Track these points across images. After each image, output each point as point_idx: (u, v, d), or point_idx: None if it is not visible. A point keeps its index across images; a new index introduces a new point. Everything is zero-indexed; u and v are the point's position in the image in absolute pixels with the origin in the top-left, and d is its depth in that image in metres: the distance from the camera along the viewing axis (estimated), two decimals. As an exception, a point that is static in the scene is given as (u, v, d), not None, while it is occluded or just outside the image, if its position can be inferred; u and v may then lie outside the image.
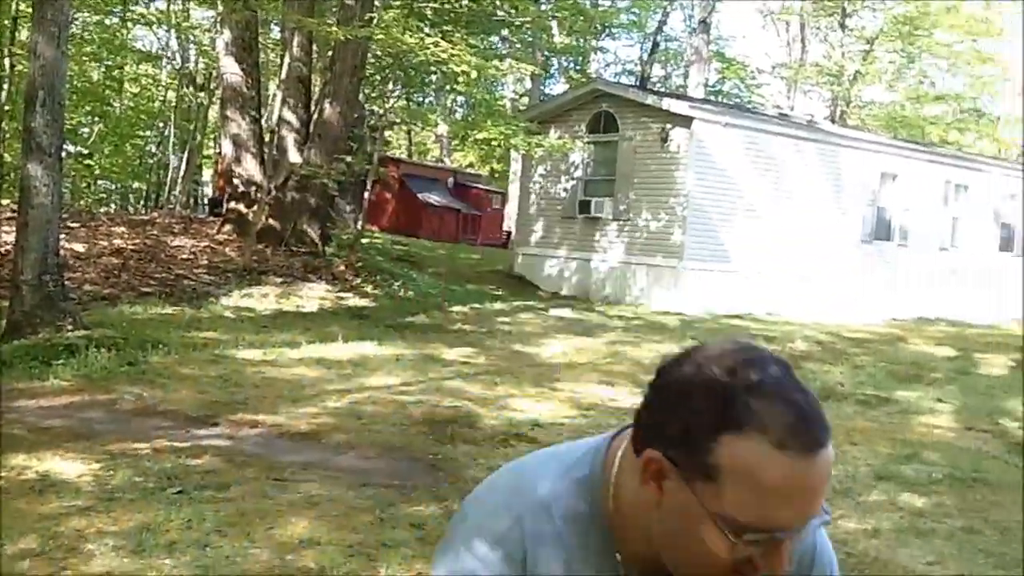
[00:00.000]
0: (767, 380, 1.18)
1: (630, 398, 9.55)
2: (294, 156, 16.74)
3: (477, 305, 16.12)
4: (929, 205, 21.90)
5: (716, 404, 1.17)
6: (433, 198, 29.34)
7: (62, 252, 11.12)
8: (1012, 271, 23.76)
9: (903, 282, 21.33)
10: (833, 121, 31.95)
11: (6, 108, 19.23)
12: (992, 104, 42.29)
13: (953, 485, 7.08)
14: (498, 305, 16.57)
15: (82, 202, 26.46)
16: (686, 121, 18.11)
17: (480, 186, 33.50)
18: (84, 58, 24.85)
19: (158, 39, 29.57)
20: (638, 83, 34.56)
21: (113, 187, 31.35)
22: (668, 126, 18.35)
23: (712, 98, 31.21)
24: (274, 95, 21.12)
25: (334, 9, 18.15)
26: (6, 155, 19.07)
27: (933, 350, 15.00)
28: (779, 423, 1.15)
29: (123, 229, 16.78)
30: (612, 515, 1.31)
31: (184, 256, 15.36)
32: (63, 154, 11.71)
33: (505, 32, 26.38)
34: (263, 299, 13.77)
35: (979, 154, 30.79)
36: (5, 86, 19.69)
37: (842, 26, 36.32)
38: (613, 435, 1.37)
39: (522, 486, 1.36)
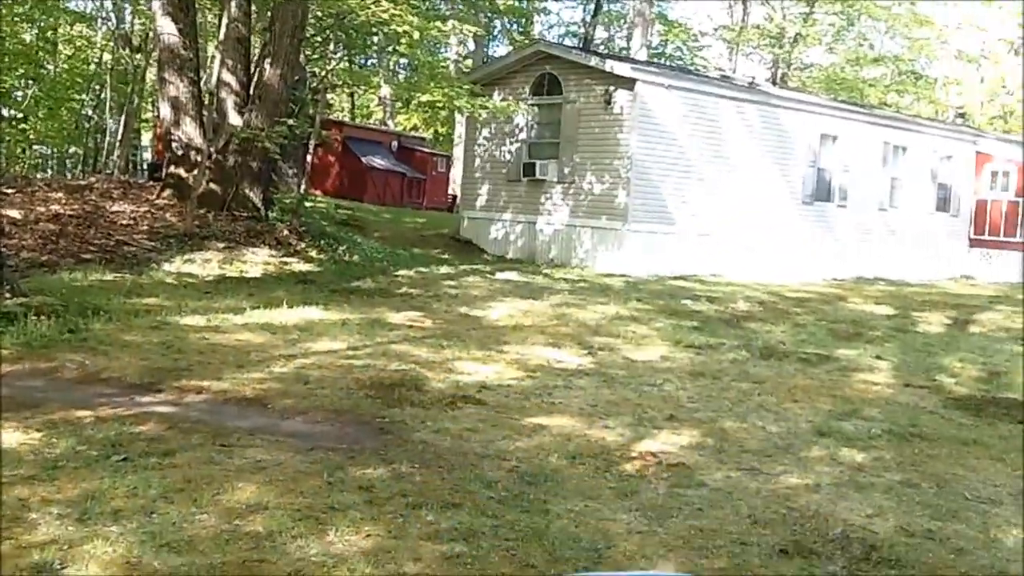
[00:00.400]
0: None
1: (576, 359, 9.63)
2: (234, 119, 16.49)
3: (423, 269, 16.09)
4: (868, 166, 22.20)
5: None
6: (377, 161, 29.15)
7: (-3, 218, 10.90)
8: (947, 231, 24.23)
9: (843, 242, 21.66)
10: (774, 83, 32.17)
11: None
12: (929, 67, 42.88)
13: (891, 440, 7.25)
14: (444, 269, 16.55)
15: (17, 167, 25.93)
16: (629, 83, 18.14)
17: (424, 149, 33.32)
18: (16, 19, 24.24)
19: (92, -1, 28.91)
20: (581, 45, 34.49)
21: (49, 152, 30.75)
22: (611, 88, 18.37)
23: (655, 60, 31.25)
24: (213, 57, 20.76)
25: (273, -31, 17.83)
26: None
27: (872, 308, 15.27)
28: None
29: (61, 195, 16.46)
30: None
31: (124, 222, 15.11)
32: (-4, 118, 11.43)
33: (448, -7, 26.19)
34: (206, 264, 13.62)
35: (917, 116, 31.22)
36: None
37: (783, -12, 36.49)
38: None
39: None
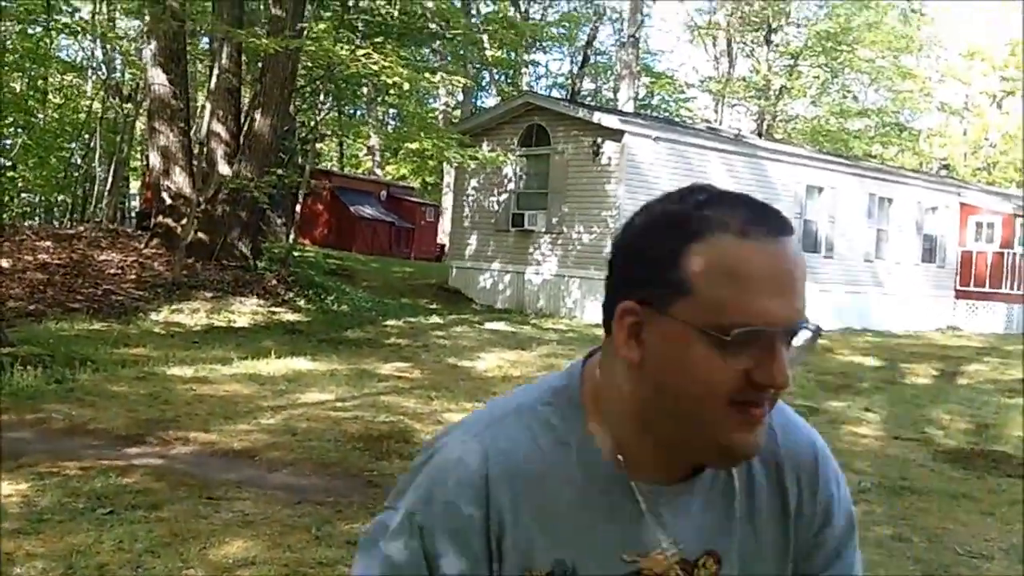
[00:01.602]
0: (715, 193, 1.19)
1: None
2: (224, 169, 16.56)
3: (411, 319, 16.08)
4: (854, 217, 22.36)
5: (673, 228, 1.17)
6: (366, 211, 29.22)
7: (-15, 267, 10.87)
8: (933, 282, 24.36)
9: (829, 292, 21.74)
10: (760, 135, 32.48)
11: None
12: (914, 119, 43.44)
13: (881, 493, 7.23)
14: (433, 319, 16.53)
15: (5, 216, 25.87)
16: (617, 135, 18.28)
17: (413, 199, 33.43)
18: (6, 68, 24.32)
19: (83, 49, 29.07)
20: (569, 96, 34.80)
21: (38, 200, 30.71)
22: (599, 139, 18.51)
23: (642, 112, 31.53)
24: (203, 107, 20.86)
25: (264, 20, 18.00)
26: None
27: (860, 360, 15.30)
28: (737, 217, 1.15)
29: (49, 243, 16.44)
30: (593, 412, 1.27)
31: (112, 271, 15.09)
32: (-14, 167, 11.45)
33: (436, 44, 26.41)
34: (193, 314, 13.59)
35: (901, 167, 31.52)
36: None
37: (768, 42, 37.00)
38: (586, 356, 1.33)
39: (491, 418, 1.30)
